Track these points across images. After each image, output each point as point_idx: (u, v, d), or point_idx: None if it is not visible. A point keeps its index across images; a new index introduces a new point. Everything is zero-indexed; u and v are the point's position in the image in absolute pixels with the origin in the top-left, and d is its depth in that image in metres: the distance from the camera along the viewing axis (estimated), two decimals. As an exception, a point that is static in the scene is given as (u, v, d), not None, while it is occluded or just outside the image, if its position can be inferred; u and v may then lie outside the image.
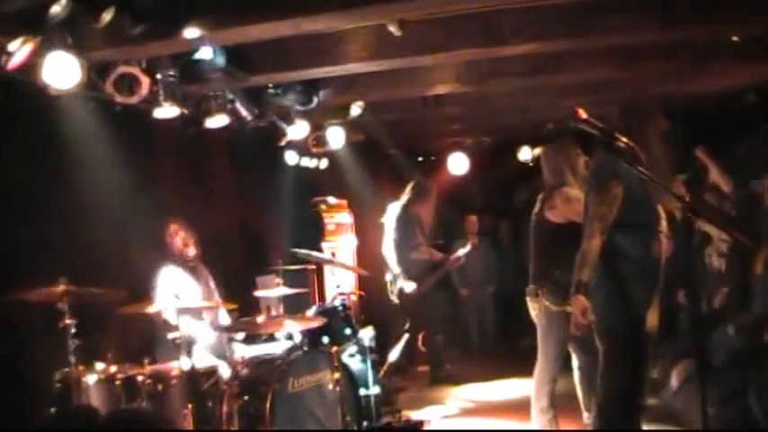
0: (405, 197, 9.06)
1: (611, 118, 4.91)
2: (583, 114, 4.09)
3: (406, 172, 10.37)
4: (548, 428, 6.17)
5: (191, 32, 4.81)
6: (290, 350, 6.29)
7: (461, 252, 9.15)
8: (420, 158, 10.79)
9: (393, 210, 9.03)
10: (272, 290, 6.61)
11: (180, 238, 6.41)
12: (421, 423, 7.14)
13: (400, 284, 8.78)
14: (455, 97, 7.76)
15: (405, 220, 8.92)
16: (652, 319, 4.89)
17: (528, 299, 6.14)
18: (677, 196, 4.14)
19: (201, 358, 5.80)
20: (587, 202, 4.90)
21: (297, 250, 7.14)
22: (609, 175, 4.61)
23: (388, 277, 8.94)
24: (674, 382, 5.77)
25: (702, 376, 4.49)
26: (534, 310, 6.12)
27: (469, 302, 11.05)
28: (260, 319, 5.70)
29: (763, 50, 6.36)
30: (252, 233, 8.41)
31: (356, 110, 7.65)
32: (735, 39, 5.99)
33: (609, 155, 4.18)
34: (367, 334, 6.99)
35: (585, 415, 6.13)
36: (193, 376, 5.42)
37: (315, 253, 7.46)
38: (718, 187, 6.33)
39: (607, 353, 4.85)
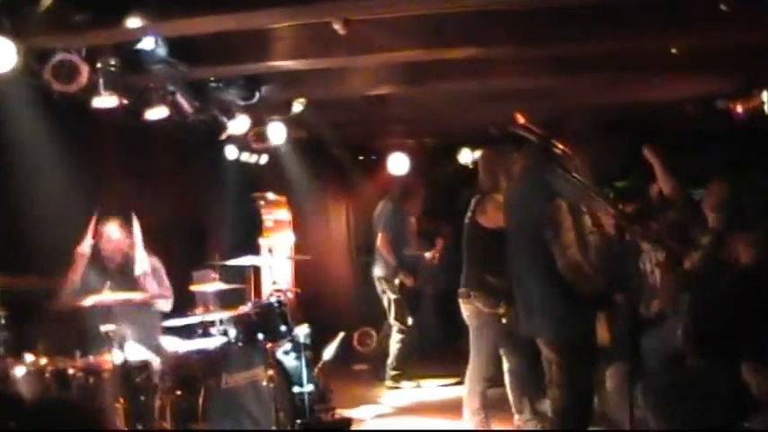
0: (397, 194, 9.09)
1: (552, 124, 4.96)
2: (521, 120, 4.17)
3: (347, 170, 10.40)
4: (479, 429, 6.24)
5: (133, 22, 4.74)
6: (225, 346, 6.25)
7: (429, 254, 9.23)
8: (361, 157, 10.80)
9: (386, 207, 9.02)
10: (208, 285, 6.58)
11: (105, 240, 6.23)
12: (349, 421, 7.15)
13: (400, 279, 8.78)
14: (398, 98, 7.80)
15: (398, 218, 8.94)
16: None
17: (460, 301, 6.21)
18: (609, 204, 4.23)
19: (134, 352, 5.73)
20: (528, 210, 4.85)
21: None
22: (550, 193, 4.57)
23: (380, 273, 8.87)
24: (609, 385, 5.87)
25: (631, 380, 4.61)
26: (466, 312, 6.18)
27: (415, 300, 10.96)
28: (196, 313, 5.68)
29: (703, 63, 6.53)
30: (190, 227, 8.33)
31: (298, 106, 7.63)
32: (674, 51, 6.13)
33: (542, 161, 4.27)
34: (302, 331, 6.98)
35: (517, 416, 6.24)
36: (126, 370, 5.35)
37: None
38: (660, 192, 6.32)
39: (566, 363, 4.81)
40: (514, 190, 5.16)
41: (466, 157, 10.15)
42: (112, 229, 6.25)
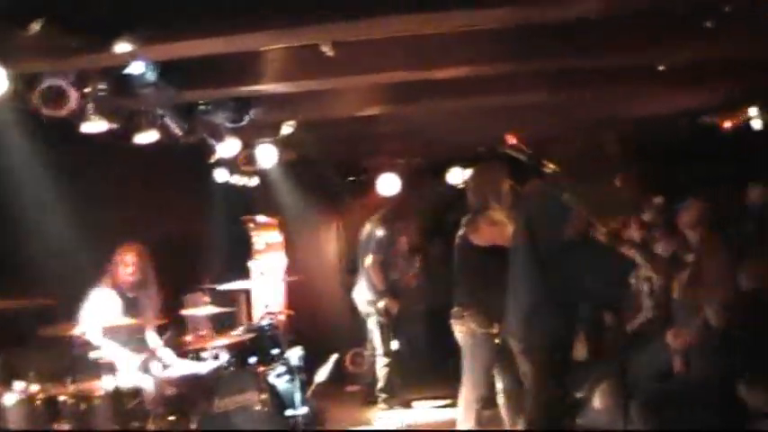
0: (381, 215, 8.96)
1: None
2: (511, 140, 4.21)
3: (338, 191, 10.38)
4: (474, 449, 6.18)
5: (122, 47, 4.73)
6: (217, 370, 6.22)
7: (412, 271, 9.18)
8: (352, 178, 10.79)
9: (375, 229, 8.86)
10: (200, 308, 6.55)
11: (123, 265, 6.29)
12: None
13: (383, 304, 8.63)
14: (388, 118, 7.77)
15: (388, 240, 8.84)
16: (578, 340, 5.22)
17: (452, 321, 6.16)
18: (601, 223, 4.26)
19: (126, 378, 5.69)
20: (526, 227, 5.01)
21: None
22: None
23: (366, 296, 8.75)
24: (597, 401, 5.87)
25: (625, 396, 4.61)
26: (460, 332, 6.13)
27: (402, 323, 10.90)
28: (186, 338, 5.65)
29: (690, 79, 6.56)
30: (180, 251, 8.29)
31: (288, 128, 7.62)
32: (661, 68, 6.16)
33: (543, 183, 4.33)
34: (295, 353, 6.94)
35: (512, 435, 6.19)
36: (117, 396, 5.31)
37: None
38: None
39: (539, 370, 4.99)
40: (526, 206, 5.31)
41: (455, 176, 10.12)
42: (128, 258, 6.31)
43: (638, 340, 5.82)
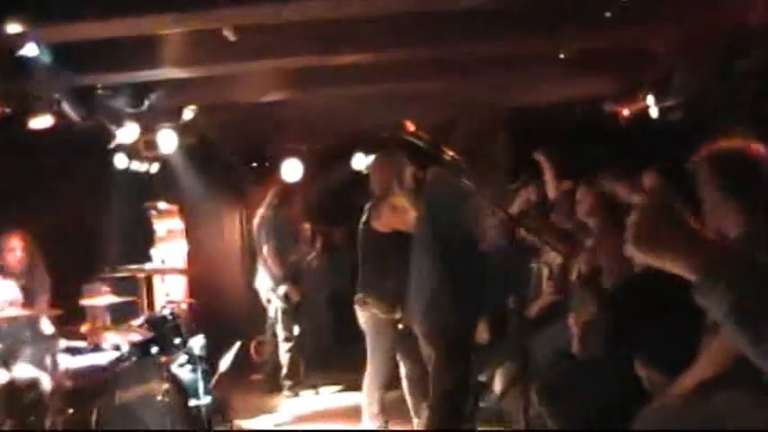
0: (272, 202, 8.82)
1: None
2: (410, 127, 4.16)
3: (240, 177, 10.25)
4: (379, 433, 6.22)
5: (13, 28, 4.56)
6: (118, 360, 6.09)
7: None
8: (255, 164, 10.66)
9: (266, 216, 8.74)
10: (99, 298, 6.39)
11: (9, 252, 6.15)
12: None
13: (284, 291, 8.56)
14: (291, 102, 7.67)
15: (280, 226, 8.74)
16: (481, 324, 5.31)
17: (356, 307, 6.18)
18: (500, 209, 4.35)
19: (22, 370, 5.52)
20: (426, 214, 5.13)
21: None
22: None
23: (265, 283, 8.66)
24: (498, 384, 5.96)
25: (523, 380, 4.69)
26: (362, 318, 6.17)
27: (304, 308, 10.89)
28: (84, 328, 5.51)
29: (591, 66, 6.69)
30: (78, 239, 8.06)
31: (189, 113, 7.49)
32: (562, 56, 6.27)
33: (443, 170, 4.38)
34: (197, 343, 6.84)
35: (416, 421, 6.24)
36: (13, 390, 5.14)
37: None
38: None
39: (441, 355, 5.12)
40: (427, 193, 5.36)
41: (359, 162, 10.09)
42: (14, 244, 6.15)
43: (539, 323, 5.83)
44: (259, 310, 9.05)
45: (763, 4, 5.13)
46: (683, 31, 5.81)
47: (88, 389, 5.61)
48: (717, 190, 3.25)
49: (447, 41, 5.74)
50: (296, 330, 8.69)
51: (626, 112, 7.56)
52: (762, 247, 3.00)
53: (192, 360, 6.72)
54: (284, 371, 8.60)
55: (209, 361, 6.94)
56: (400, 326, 5.99)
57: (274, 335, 8.78)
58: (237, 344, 7.50)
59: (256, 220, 8.85)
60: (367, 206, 6.24)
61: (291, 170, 9.80)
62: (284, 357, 8.58)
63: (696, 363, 3.47)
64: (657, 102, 6.85)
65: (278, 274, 8.56)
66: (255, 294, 8.89)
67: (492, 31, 5.59)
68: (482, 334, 5.60)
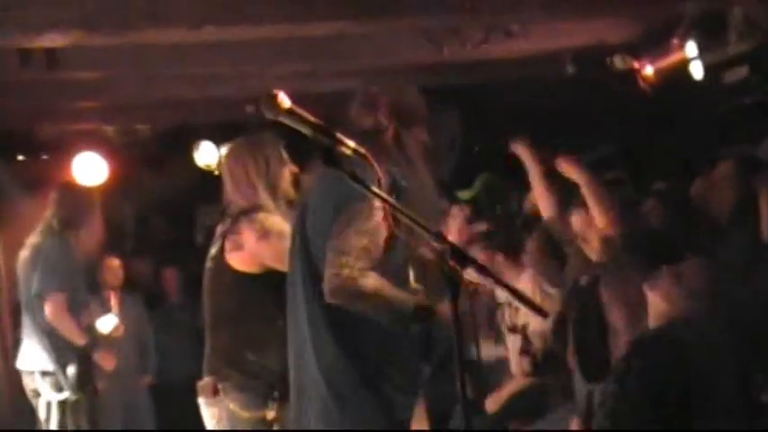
0: (54, 221, 6.19)
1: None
2: (286, 102, 2.65)
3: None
4: None
5: None
6: None
7: (109, 326, 6.63)
8: (21, 157, 7.96)
9: (44, 245, 6.11)
10: None
11: None
12: None
13: (74, 372, 6.00)
14: (85, 54, 5.47)
15: (69, 260, 6.16)
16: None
17: (200, 399, 4.46)
18: (433, 233, 2.72)
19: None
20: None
21: None
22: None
23: (41, 364, 6.03)
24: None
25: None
26: (213, 417, 4.43)
27: (111, 399, 7.24)
28: None
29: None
30: None
31: None
32: None
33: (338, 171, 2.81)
34: None
35: None
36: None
37: None
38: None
39: None
40: (301, 207, 3.90)
41: (207, 155, 7.85)
42: None
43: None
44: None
45: None
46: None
47: None
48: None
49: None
50: None
51: (649, 70, 6.10)
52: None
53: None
54: None
55: None
56: (275, 428, 4.36)
57: None
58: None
59: (24, 255, 6.19)
60: (219, 229, 4.51)
61: (89, 168, 7.48)
62: None
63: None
64: (703, 53, 5.58)
65: (79, 340, 6.02)
66: (17, 382, 6.17)
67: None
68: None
